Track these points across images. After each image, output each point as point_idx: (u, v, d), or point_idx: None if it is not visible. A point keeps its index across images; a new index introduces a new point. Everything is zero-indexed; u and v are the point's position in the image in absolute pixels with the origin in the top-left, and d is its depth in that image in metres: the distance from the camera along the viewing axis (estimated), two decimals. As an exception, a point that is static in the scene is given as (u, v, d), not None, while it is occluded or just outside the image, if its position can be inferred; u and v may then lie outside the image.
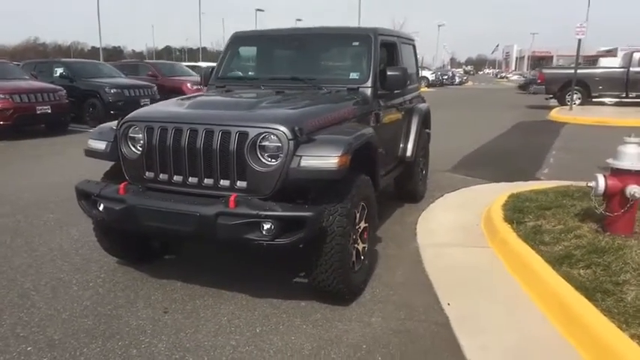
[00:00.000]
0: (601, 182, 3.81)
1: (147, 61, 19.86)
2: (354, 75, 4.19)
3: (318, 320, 3.09)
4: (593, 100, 17.40)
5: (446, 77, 42.24)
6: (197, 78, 16.38)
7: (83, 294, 3.42)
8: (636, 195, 3.67)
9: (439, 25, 67.37)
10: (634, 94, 16.75)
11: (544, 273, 3.42)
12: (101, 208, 3.22)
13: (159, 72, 15.32)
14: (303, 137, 2.94)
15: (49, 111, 10.88)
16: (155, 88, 13.67)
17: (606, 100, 17.70)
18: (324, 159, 2.90)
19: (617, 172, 3.81)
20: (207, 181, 3.09)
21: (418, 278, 3.74)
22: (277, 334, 2.93)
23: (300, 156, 2.91)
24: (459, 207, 5.60)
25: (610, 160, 3.89)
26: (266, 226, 2.80)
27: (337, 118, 3.43)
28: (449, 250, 4.29)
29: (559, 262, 3.53)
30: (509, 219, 4.50)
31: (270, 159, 2.96)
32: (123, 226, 3.21)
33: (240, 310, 3.20)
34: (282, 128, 2.92)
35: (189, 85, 14.91)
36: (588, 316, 2.82)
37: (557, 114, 14.97)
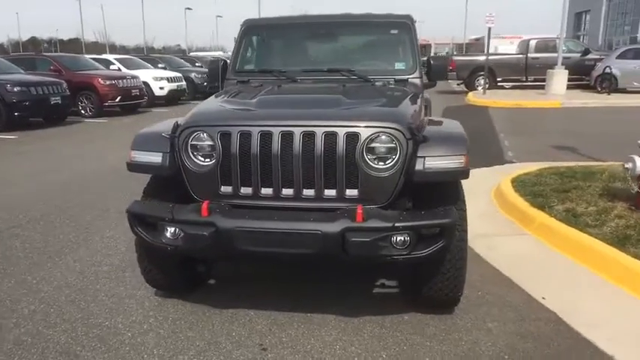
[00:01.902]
0: (638, 163, 4.01)
1: (46, 54, 17.45)
2: (399, 65, 3.91)
3: (436, 334, 2.83)
4: (498, 84, 18.85)
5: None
6: (110, 72, 14.83)
7: (144, 341, 2.79)
8: (671, 173, 3.91)
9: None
10: (532, 78, 18.43)
11: (616, 256, 3.50)
12: (171, 234, 2.63)
13: (63, 66, 13.51)
14: (420, 136, 2.63)
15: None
16: (65, 84, 12.07)
17: (505, 84, 19.31)
18: (451, 158, 2.63)
19: (650, 153, 4.03)
20: (307, 192, 2.65)
21: (491, 273, 3.63)
22: (408, 357, 2.63)
23: (424, 157, 2.60)
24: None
25: (642, 142, 4.10)
26: (400, 239, 2.46)
27: (420, 114, 3.16)
28: (494, 241, 4.24)
29: (621, 243, 3.64)
30: (537, 204, 4.59)
31: (383, 162, 2.61)
32: (210, 254, 2.66)
33: (347, 335, 2.82)
34: (399, 127, 2.58)
35: (101, 80, 13.37)
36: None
37: (475, 98, 15.95)
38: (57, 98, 11.62)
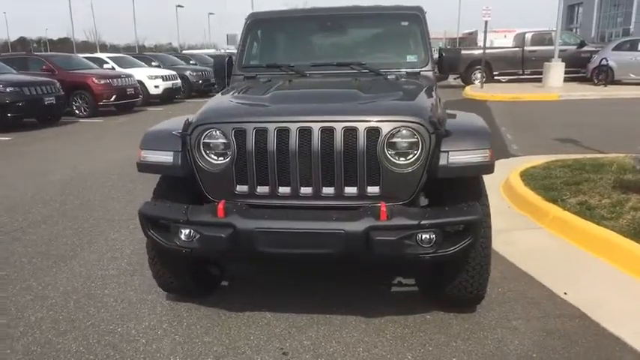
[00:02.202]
0: (653, 154, 3.95)
1: (38, 53, 17.18)
2: (411, 58, 3.81)
3: (460, 333, 2.75)
4: (495, 78, 18.81)
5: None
6: (104, 71, 14.64)
7: (160, 347, 2.68)
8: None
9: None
10: (529, 71, 18.41)
11: (636, 249, 3.44)
12: (185, 236, 2.52)
13: (55, 66, 13.30)
14: (442, 130, 2.54)
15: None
16: (58, 84, 11.87)
17: (501, 78, 19.27)
18: (475, 153, 2.54)
19: (666, 144, 3.97)
20: (327, 190, 2.55)
21: (509, 269, 3.55)
22: (434, 357, 2.55)
23: (447, 151, 2.52)
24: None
25: (656, 132, 4.04)
26: (426, 237, 2.38)
27: (438, 107, 3.06)
28: (509, 236, 4.17)
29: (634, 236, 3.58)
30: (549, 198, 4.52)
31: (405, 157, 2.52)
32: (227, 256, 2.56)
33: (369, 336, 2.74)
34: (421, 121, 2.49)
35: (95, 79, 13.18)
36: None
37: (472, 92, 15.89)
38: (51, 98, 11.43)
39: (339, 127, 2.49)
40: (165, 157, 2.71)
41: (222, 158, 2.64)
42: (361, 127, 2.48)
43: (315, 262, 3.07)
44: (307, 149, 2.51)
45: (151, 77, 15.99)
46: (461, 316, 2.91)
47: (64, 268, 3.72)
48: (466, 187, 2.69)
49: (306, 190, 2.57)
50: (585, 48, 18.15)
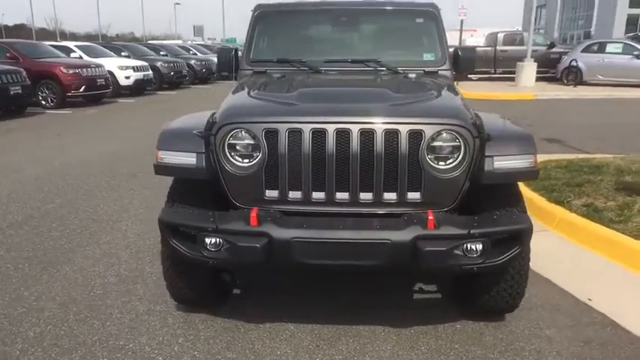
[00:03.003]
0: (662, 158, 3.97)
1: (0, 40, 16.18)
2: (428, 56, 3.68)
3: (496, 344, 2.65)
4: (467, 76, 19.04)
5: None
6: (73, 60, 13.93)
7: (179, 365, 2.47)
8: (698, 168, 3.90)
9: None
10: (500, 70, 18.73)
11: (652, 253, 3.44)
12: (213, 246, 2.31)
13: (20, 54, 12.53)
14: (484, 134, 2.42)
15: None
16: (24, 73, 11.20)
17: (472, 76, 19.52)
18: (521, 158, 2.43)
19: (673, 147, 4.00)
20: (365, 195, 2.39)
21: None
22: (475, 371, 2.44)
23: (492, 156, 2.40)
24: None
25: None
26: (473, 247, 2.25)
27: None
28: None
29: (650, 240, 3.59)
30: (553, 200, 4.51)
31: (449, 162, 2.38)
32: (260, 267, 2.36)
33: (403, 349, 2.60)
34: (465, 124, 2.36)
35: (63, 69, 12.51)
36: None
37: (448, 90, 15.96)
38: (17, 88, 10.77)
39: (379, 129, 2.33)
40: (187, 159, 2.47)
41: (247, 160, 2.43)
42: (403, 129, 2.33)
43: (355, 273, 2.92)
44: (345, 152, 2.33)
45: (121, 68, 15.33)
46: (491, 325, 2.82)
47: (56, 275, 3.42)
48: (506, 193, 2.58)
49: (342, 195, 2.39)
50: (555, 49, 18.62)
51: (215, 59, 23.17)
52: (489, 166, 2.38)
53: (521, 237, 2.30)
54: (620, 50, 16.17)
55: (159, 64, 17.73)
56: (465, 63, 3.72)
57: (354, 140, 2.32)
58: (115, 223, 4.43)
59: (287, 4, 3.97)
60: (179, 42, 32.30)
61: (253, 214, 2.28)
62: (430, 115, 2.40)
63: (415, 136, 2.33)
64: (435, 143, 2.37)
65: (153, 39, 55.54)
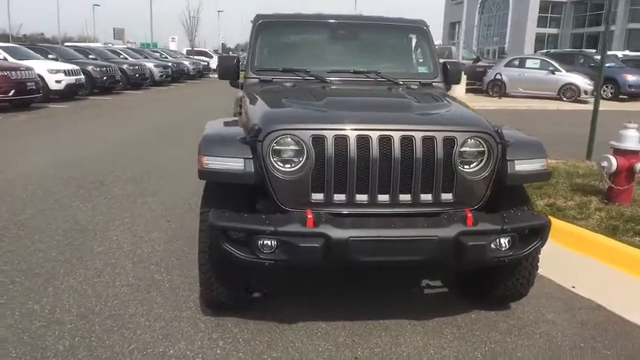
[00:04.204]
0: (613, 162, 4.56)
1: None
2: (422, 69, 3.98)
3: (510, 330, 2.95)
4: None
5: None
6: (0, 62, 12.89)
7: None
8: (643, 170, 4.52)
9: (219, 11, 66.64)
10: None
11: (615, 245, 3.95)
12: (268, 248, 2.40)
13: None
14: (505, 140, 2.72)
15: None
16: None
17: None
18: (536, 161, 2.76)
19: (622, 152, 4.60)
20: (404, 197, 2.60)
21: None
22: (501, 353, 2.71)
23: (512, 160, 2.70)
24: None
25: (613, 142, 4.67)
26: (504, 240, 2.53)
27: None
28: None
29: (612, 234, 4.12)
30: (520, 200, 4.99)
31: (477, 165, 2.66)
32: (315, 267, 2.46)
33: (432, 339, 2.82)
34: (490, 131, 2.65)
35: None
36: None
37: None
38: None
39: (418, 136, 2.55)
40: (234, 164, 2.54)
41: (288, 165, 2.55)
42: (439, 136, 2.57)
43: (403, 269, 3.15)
44: (387, 157, 2.53)
45: (51, 71, 14.42)
46: (501, 313, 3.13)
47: (61, 287, 3.27)
48: (518, 194, 2.91)
49: (383, 197, 2.58)
50: (480, 63, 20.10)
51: (148, 64, 22.43)
52: (512, 169, 2.69)
53: (542, 231, 2.62)
54: (538, 66, 17.81)
55: (90, 67, 16.87)
56: (453, 75, 4.06)
57: (395, 146, 2.53)
58: (103, 232, 4.27)
59: (287, 15, 4.10)
60: (99, 45, 30.88)
61: (309, 216, 2.40)
62: (461, 124, 2.67)
63: (449, 142, 2.58)
64: (464, 148, 2.63)
65: (67, 41, 52.45)
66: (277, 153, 2.54)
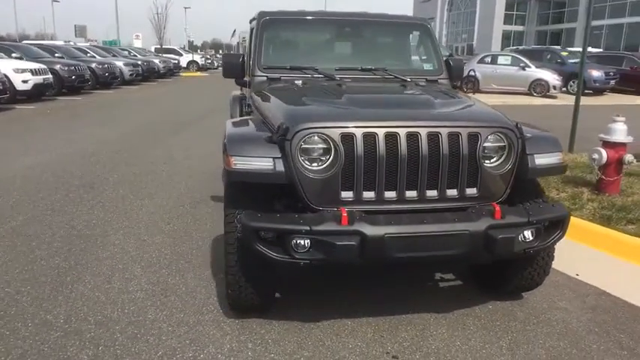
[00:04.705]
0: (604, 154, 4.74)
1: None
2: (427, 66, 4.03)
3: (528, 319, 3.03)
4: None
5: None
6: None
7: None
8: (632, 161, 4.72)
9: (185, 8, 65.16)
10: (406, 78, 20.09)
11: (610, 233, 4.12)
12: (303, 247, 2.39)
13: None
14: (524, 135, 2.79)
15: None
16: None
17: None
18: (553, 155, 2.83)
19: (612, 145, 4.79)
20: (430, 192, 2.63)
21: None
22: (525, 342, 2.78)
23: (532, 154, 2.77)
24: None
25: (603, 135, 4.86)
26: (529, 232, 2.60)
27: None
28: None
29: (607, 223, 4.29)
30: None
31: (499, 160, 2.72)
32: (355, 264, 2.46)
33: (457, 331, 2.87)
34: (512, 127, 2.71)
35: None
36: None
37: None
38: None
39: (444, 132, 2.59)
40: (264, 164, 2.51)
41: (315, 164, 2.55)
42: (464, 132, 2.61)
43: (435, 264, 3.24)
44: (414, 153, 2.56)
45: (17, 71, 13.83)
46: (516, 303, 3.21)
47: (72, 295, 3.16)
48: (535, 187, 2.99)
49: (410, 193, 2.61)
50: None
51: (118, 63, 21.82)
52: (532, 163, 2.76)
53: (563, 223, 2.70)
54: (509, 62, 18.28)
55: (58, 67, 16.26)
56: (456, 72, 4.13)
57: (423, 142, 2.56)
58: (103, 237, 4.15)
59: (291, 12, 4.08)
60: (69, 43, 29.90)
61: (344, 214, 2.41)
62: (484, 120, 2.72)
63: (473, 137, 2.62)
64: (486, 144, 2.68)
65: (24, 38, 50.48)
66: (305, 152, 2.54)
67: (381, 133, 2.53)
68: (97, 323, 2.86)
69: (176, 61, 29.25)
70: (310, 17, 4.09)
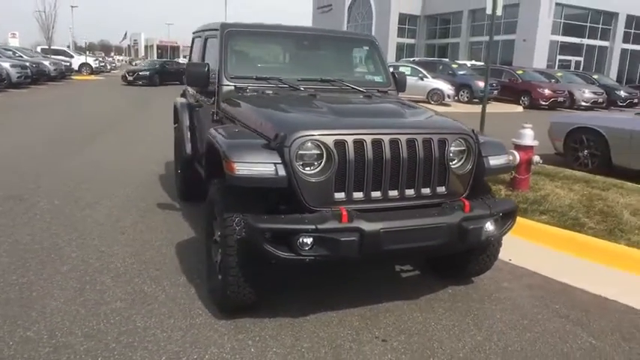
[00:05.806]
0: (517, 155, 5.50)
1: None
2: (378, 78, 4.41)
3: (483, 299, 3.50)
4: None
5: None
6: None
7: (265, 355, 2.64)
8: (539, 161, 5.53)
9: (72, 7, 60.44)
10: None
11: (530, 223, 4.82)
12: (308, 245, 2.60)
13: None
14: (479, 140, 3.26)
15: None
16: None
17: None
18: (503, 157, 3.33)
19: (522, 148, 5.57)
20: (409, 191, 2.98)
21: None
22: (487, 317, 3.23)
23: (487, 156, 3.24)
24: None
25: (515, 140, 5.63)
26: (490, 222, 3.04)
27: None
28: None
29: (523, 214, 5.00)
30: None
31: (463, 162, 3.15)
32: (355, 257, 2.68)
33: (428, 313, 3.25)
34: (471, 134, 3.16)
35: None
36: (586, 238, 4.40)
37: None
38: None
39: (420, 139, 2.96)
40: (266, 170, 2.68)
41: (308, 168, 2.79)
42: (435, 138, 3.01)
43: (419, 254, 3.59)
44: (396, 157, 2.90)
45: None
46: (470, 287, 3.69)
47: (45, 310, 3.01)
48: (485, 184, 3.48)
49: (393, 192, 2.94)
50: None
51: (4, 64, 19.78)
52: (487, 163, 3.23)
53: (513, 214, 3.20)
54: (409, 73, 19.65)
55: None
56: (400, 84, 4.57)
57: (403, 147, 2.90)
58: (57, 251, 3.94)
59: (253, 24, 4.23)
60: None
61: (344, 212, 2.65)
62: (449, 127, 3.14)
63: (442, 143, 3.03)
64: (456, 148, 3.11)
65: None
66: (301, 157, 2.75)
67: (368, 139, 2.83)
68: (85, 336, 2.79)
69: (68, 64, 27.14)
70: (271, 30, 4.28)
